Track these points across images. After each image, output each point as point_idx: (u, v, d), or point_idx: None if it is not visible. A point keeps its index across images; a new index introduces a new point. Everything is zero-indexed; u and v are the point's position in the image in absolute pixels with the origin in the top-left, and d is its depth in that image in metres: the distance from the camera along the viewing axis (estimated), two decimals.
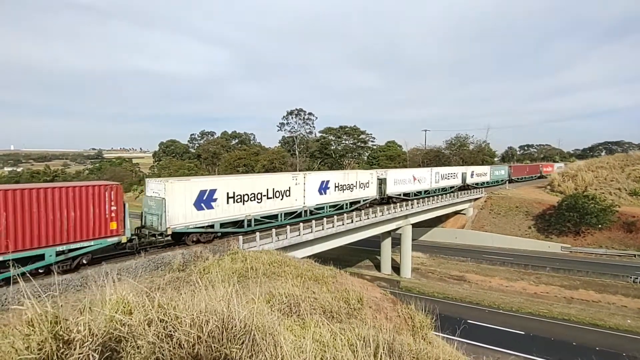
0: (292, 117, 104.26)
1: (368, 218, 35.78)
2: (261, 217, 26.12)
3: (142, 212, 22.10)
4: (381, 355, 4.69)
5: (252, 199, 25.48)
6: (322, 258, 22.77)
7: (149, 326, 3.72)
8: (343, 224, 32.12)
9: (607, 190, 62.39)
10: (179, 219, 21.19)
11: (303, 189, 29.35)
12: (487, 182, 71.20)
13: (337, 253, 42.33)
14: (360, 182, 36.32)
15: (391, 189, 42.03)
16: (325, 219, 31.00)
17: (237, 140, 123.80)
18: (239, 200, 24.57)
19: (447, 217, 61.03)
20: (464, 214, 62.68)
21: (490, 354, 21.01)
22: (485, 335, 29.30)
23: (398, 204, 41.62)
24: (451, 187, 57.45)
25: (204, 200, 22.58)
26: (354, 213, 34.17)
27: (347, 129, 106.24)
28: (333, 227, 30.82)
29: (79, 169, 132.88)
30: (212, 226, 22.88)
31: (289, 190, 28.23)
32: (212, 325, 3.77)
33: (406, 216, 44.59)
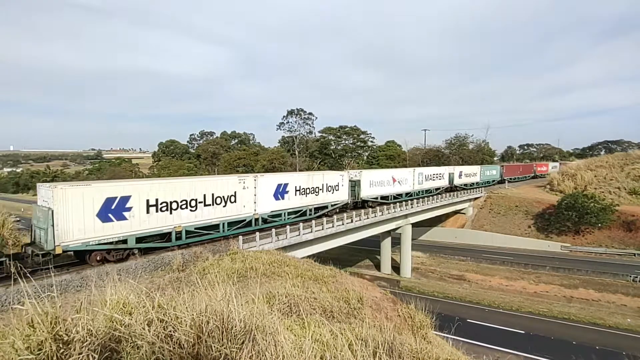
0: (291, 117, 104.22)
1: (368, 218, 35.78)
2: (196, 229, 21.90)
3: (31, 225, 18.50)
4: (381, 355, 4.69)
5: (184, 206, 21.30)
6: (322, 258, 22.79)
7: (149, 326, 3.72)
8: (343, 224, 32.13)
9: (606, 189, 62.42)
10: (74, 233, 16.99)
11: (253, 193, 25.36)
12: (477, 183, 66.54)
13: (336, 253, 42.33)
14: (328, 185, 32.05)
15: (366, 192, 38.04)
16: (314, 221, 29.14)
17: (236, 140, 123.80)
18: (164, 208, 20.47)
19: (446, 216, 61.05)
20: (464, 213, 62.70)
21: (490, 353, 21.01)
22: (485, 335, 29.31)
23: (377, 209, 38.21)
24: (437, 189, 53.10)
25: (113, 210, 18.46)
26: (354, 212, 34.13)
27: (346, 128, 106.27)
28: (333, 226, 30.83)
29: (79, 170, 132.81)
30: (124, 241, 18.90)
31: (235, 196, 24.02)
32: (212, 325, 3.77)
33: (406, 216, 44.60)
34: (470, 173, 64.68)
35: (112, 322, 3.70)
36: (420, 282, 44.85)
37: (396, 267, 48.68)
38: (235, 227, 24.23)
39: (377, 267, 50.14)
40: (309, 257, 25.56)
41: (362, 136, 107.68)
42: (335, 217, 32.29)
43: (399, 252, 48.06)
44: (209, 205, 22.72)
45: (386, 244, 48.06)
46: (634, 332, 30.69)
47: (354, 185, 36.71)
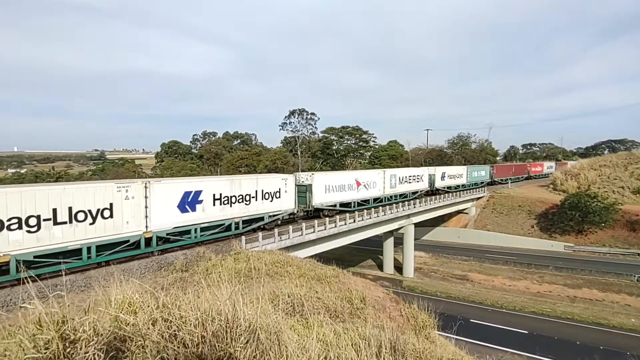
0: (294, 117, 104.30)
1: (370, 217, 35.78)
2: (39, 257, 15.30)
3: None
4: (384, 355, 4.71)
5: (26, 224, 14.92)
6: (324, 258, 22.81)
7: (154, 326, 3.75)
8: (345, 224, 32.15)
9: (610, 188, 62.16)
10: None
11: (144, 205, 18.96)
12: (463, 185, 60.44)
13: (339, 253, 42.40)
14: (265, 192, 26.21)
15: (320, 199, 31.87)
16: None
17: (239, 141, 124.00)
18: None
19: (449, 216, 60.97)
20: (467, 213, 62.60)
21: (493, 353, 21.01)
22: (488, 335, 29.28)
23: (338, 218, 32.57)
24: (414, 193, 46.97)
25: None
26: (356, 213, 34.09)
27: (349, 128, 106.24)
28: (335, 226, 30.87)
29: (82, 170, 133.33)
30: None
31: (111, 209, 17.77)
32: (217, 324, 3.79)
33: (408, 215, 44.57)
34: (455, 174, 58.69)
35: (118, 322, 3.73)
36: (423, 282, 44.80)
37: (399, 267, 48.67)
38: (112, 252, 17.85)
39: (380, 267, 50.14)
40: (311, 257, 25.64)
41: (364, 136, 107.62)
42: (337, 217, 32.21)
43: (401, 252, 48.05)
44: (65, 223, 16.13)
45: (389, 243, 48.07)
46: (638, 332, 30.57)
47: (305, 190, 31.07)
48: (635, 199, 58.80)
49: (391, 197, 42.14)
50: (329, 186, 32.92)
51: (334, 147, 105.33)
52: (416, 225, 48.03)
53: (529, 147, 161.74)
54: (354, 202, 36.07)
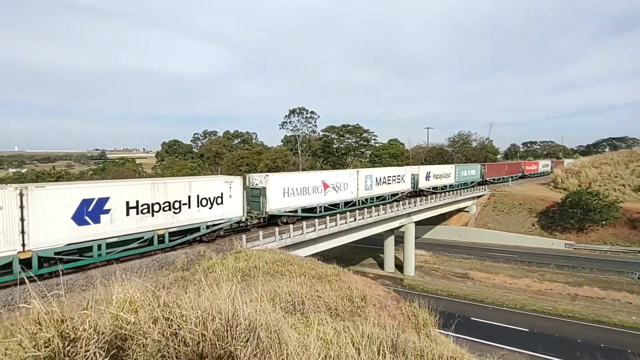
0: (294, 116, 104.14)
1: (371, 216, 35.78)
2: None
3: None
4: (385, 353, 4.71)
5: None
6: (325, 256, 22.82)
7: (154, 324, 3.76)
8: (346, 222, 32.13)
9: (611, 186, 62.12)
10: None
11: (19, 217, 15.04)
12: (451, 186, 56.82)
13: (340, 251, 42.41)
14: (201, 198, 22.04)
15: (277, 204, 27.98)
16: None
17: (239, 140, 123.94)
18: None
19: (450, 214, 60.98)
20: (467, 211, 62.57)
21: (494, 351, 20.99)
22: (489, 333, 29.29)
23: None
24: (393, 195, 42.87)
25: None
26: (356, 212, 34.03)
27: (349, 127, 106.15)
28: (336, 225, 30.86)
29: (83, 170, 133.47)
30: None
31: None
32: (217, 323, 3.80)
33: (409, 214, 44.56)
34: (442, 174, 54.81)
35: (118, 320, 3.74)
36: (423, 281, 44.81)
37: (399, 266, 48.67)
38: None
39: (381, 265, 50.16)
40: (312, 255, 25.61)
41: (364, 135, 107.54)
42: (338, 215, 32.02)
43: (402, 250, 48.04)
44: None
45: (389, 242, 48.06)
46: (639, 329, 30.55)
47: (258, 195, 27.22)
48: (637, 196, 58.77)
49: (367, 200, 38.15)
50: (289, 189, 29.12)
51: (335, 146, 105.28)
52: (417, 223, 48.01)
53: (529, 145, 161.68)
54: (321, 206, 32.13)
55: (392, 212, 39.57)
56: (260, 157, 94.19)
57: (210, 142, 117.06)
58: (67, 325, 3.28)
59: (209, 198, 22.54)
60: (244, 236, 23.05)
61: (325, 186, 32.68)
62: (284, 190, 28.75)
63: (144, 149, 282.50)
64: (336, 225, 30.89)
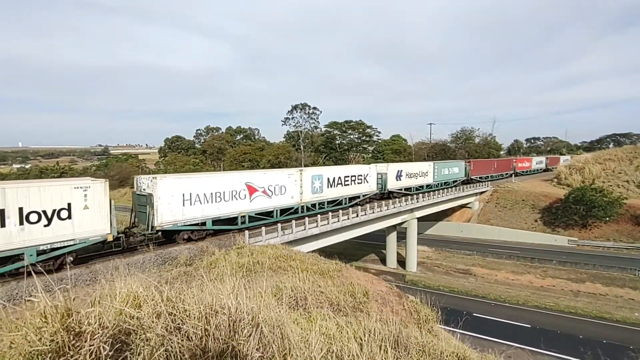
0: (296, 112, 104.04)
1: (373, 212, 35.76)
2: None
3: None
4: (387, 348, 4.72)
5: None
6: (327, 252, 22.85)
7: (158, 319, 3.78)
8: (348, 218, 32.15)
9: (614, 182, 61.81)
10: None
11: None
12: (428, 186, 49.98)
13: (342, 247, 42.47)
14: (29, 212, 15.50)
15: (173, 216, 20.92)
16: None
17: (241, 136, 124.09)
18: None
19: (452, 210, 60.91)
20: (470, 207, 62.48)
21: (496, 346, 20.96)
22: (491, 328, 29.34)
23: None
24: (352, 199, 35.38)
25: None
26: (359, 207, 33.99)
27: (352, 123, 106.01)
28: (338, 221, 30.89)
29: (86, 165, 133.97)
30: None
31: None
32: (220, 318, 3.82)
33: (411, 210, 44.53)
34: (416, 172, 47.86)
35: (122, 315, 3.77)
36: (425, 276, 44.86)
37: (402, 262, 48.71)
38: None
39: (383, 261, 50.23)
40: (314, 251, 25.67)
41: (367, 130, 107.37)
42: (340, 211, 31.98)
43: (404, 246, 48.07)
44: None
45: (392, 238, 48.09)
46: None
47: (145, 202, 20.56)
48: None
49: (314, 205, 31.15)
50: (192, 196, 21.85)
51: (337, 142, 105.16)
52: (419, 219, 47.98)
53: (532, 141, 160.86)
54: (244, 216, 24.92)
55: (394, 208, 39.54)
56: (262, 153, 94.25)
57: (213, 138, 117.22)
58: (73, 319, 3.31)
59: (46, 211, 16.09)
60: (246, 232, 23.08)
61: (252, 190, 25.64)
62: (184, 197, 21.52)
63: (146, 144, 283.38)
64: (338, 221, 30.92)
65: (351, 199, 35.25)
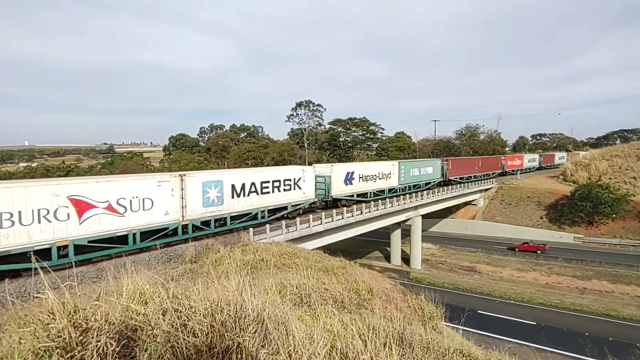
0: (300, 109, 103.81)
1: (377, 209, 35.72)
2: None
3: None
4: (392, 345, 4.73)
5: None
6: (331, 250, 22.89)
7: (164, 315, 3.82)
8: (352, 216, 32.15)
9: (621, 179, 61.29)
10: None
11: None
12: (392, 190, 41.05)
13: (346, 244, 42.47)
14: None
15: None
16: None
17: (245, 133, 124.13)
18: None
19: (457, 208, 60.69)
20: (475, 204, 62.23)
21: (501, 344, 20.93)
22: (496, 326, 29.27)
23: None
24: (275, 210, 26.74)
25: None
26: (363, 205, 34.00)
27: (356, 120, 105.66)
28: (342, 218, 30.90)
29: (92, 164, 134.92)
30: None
31: None
32: (226, 314, 3.84)
33: (416, 207, 44.43)
34: (374, 174, 38.42)
35: (129, 311, 3.80)
36: (430, 274, 44.81)
37: (406, 259, 48.70)
38: None
39: (387, 258, 50.22)
40: (318, 248, 25.73)
41: (371, 128, 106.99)
42: (344, 209, 32.09)
43: (408, 243, 48.03)
44: None
45: (396, 235, 48.05)
46: None
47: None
48: None
49: (207, 223, 22.13)
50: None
51: (341, 139, 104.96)
52: (424, 217, 47.88)
53: (538, 137, 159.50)
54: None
55: (398, 205, 39.47)
56: (266, 151, 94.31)
57: (217, 136, 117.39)
58: (80, 316, 3.35)
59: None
60: (251, 229, 23.16)
61: (82, 209, 16.41)
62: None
63: (151, 143, 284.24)
64: (342, 218, 30.94)
65: (273, 210, 26.74)
